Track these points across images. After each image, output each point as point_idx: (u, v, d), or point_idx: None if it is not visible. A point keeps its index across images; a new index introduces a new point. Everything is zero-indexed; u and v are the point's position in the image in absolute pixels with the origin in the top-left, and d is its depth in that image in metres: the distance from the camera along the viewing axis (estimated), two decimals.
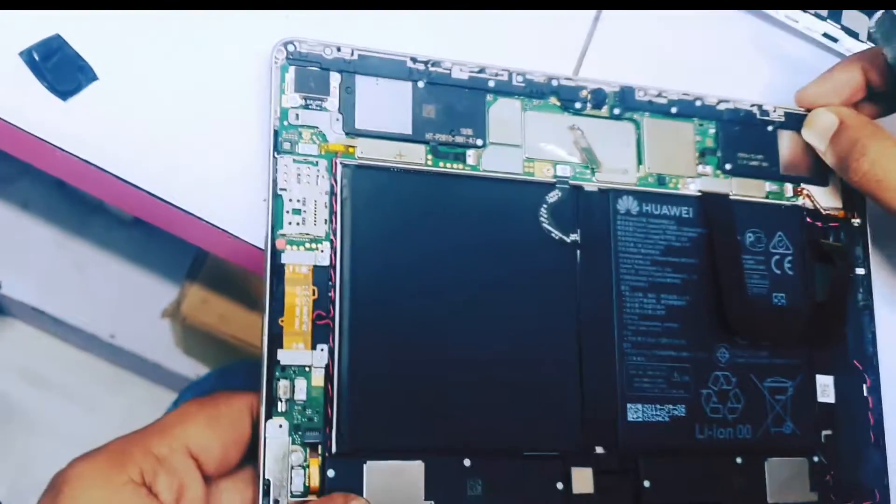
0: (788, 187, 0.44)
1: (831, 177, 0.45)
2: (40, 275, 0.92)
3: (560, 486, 0.37)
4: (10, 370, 0.97)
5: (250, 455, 0.35)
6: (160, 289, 0.91)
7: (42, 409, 0.97)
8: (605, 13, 0.45)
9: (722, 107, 0.43)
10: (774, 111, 0.44)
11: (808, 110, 0.44)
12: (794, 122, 0.44)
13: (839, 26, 0.47)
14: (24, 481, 0.88)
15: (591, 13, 0.45)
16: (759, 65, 0.48)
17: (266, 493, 0.34)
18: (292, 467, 0.34)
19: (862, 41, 0.48)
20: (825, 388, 0.43)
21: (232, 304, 0.79)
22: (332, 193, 0.36)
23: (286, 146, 0.36)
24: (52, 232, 0.93)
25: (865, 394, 0.44)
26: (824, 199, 0.45)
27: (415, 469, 0.36)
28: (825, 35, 0.47)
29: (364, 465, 0.35)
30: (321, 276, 0.36)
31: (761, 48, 0.48)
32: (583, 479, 0.38)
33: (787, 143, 0.44)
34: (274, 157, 0.36)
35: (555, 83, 0.40)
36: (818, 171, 0.45)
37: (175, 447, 0.33)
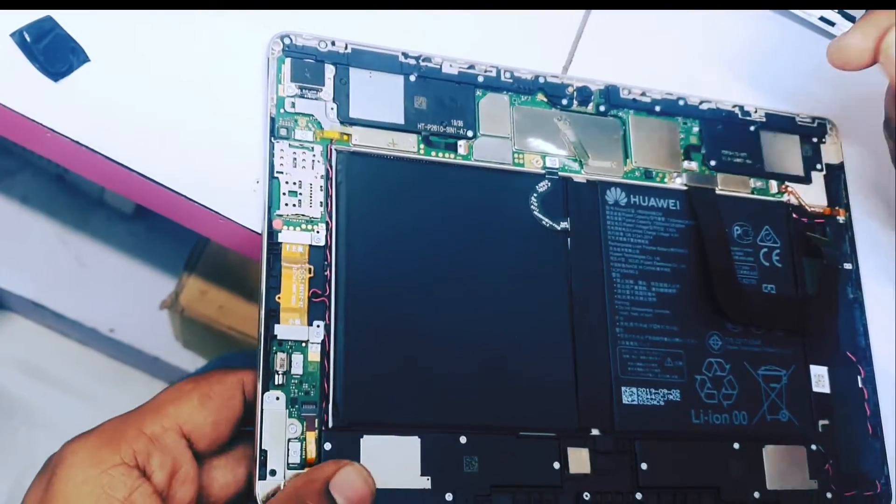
0: (773, 184, 0.45)
1: (815, 175, 0.46)
2: (40, 269, 0.92)
3: (557, 465, 0.37)
4: (10, 365, 0.97)
5: (242, 434, 0.35)
6: (160, 283, 0.90)
7: (42, 403, 0.96)
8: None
9: (704, 106, 0.45)
10: (756, 112, 0.46)
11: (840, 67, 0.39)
12: (776, 122, 0.46)
13: (836, 10, 0.47)
14: (25, 474, 0.87)
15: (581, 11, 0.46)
16: (755, 50, 0.48)
17: (263, 464, 0.34)
18: (289, 439, 0.34)
19: None
20: (819, 378, 0.43)
21: (231, 295, 0.79)
22: (328, 178, 0.38)
23: (283, 132, 0.38)
24: (52, 226, 0.93)
25: (861, 385, 0.44)
26: (809, 196, 0.46)
27: (411, 444, 0.36)
28: (822, 19, 0.48)
29: (361, 440, 0.35)
30: (317, 255, 0.37)
31: (756, 33, 0.48)
32: (579, 460, 0.38)
33: (770, 143, 0.46)
34: (271, 141, 0.37)
35: (541, 80, 0.42)
36: (802, 170, 0.46)
37: (167, 426, 0.33)
